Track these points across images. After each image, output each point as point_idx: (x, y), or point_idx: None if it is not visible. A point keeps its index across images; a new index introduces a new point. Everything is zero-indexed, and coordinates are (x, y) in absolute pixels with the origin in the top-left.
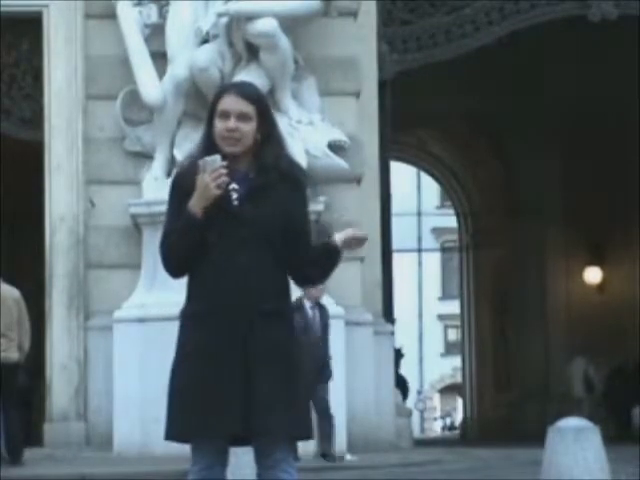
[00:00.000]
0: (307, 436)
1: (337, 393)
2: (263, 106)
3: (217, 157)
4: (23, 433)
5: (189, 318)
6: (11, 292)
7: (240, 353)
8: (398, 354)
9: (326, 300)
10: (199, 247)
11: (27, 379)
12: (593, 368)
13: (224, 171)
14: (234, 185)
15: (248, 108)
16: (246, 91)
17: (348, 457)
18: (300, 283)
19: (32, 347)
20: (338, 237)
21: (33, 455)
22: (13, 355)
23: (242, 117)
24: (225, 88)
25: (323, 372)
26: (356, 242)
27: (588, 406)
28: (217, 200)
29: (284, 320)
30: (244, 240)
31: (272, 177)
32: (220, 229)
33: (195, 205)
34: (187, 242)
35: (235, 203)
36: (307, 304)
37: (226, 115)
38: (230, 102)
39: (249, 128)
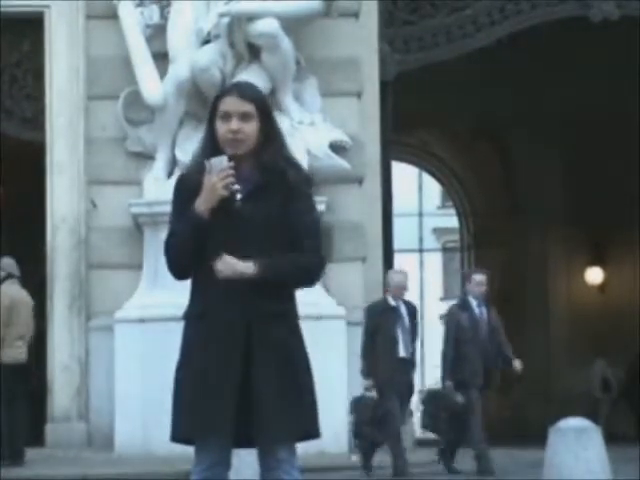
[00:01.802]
0: (312, 435)
1: (338, 393)
2: (264, 105)
3: (224, 158)
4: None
5: (192, 319)
6: (27, 296)
7: (242, 354)
8: None
9: (327, 300)
10: (202, 248)
11: (38, 379)
12: (611, 370)
13: (231, 172)
14: (237, 186)
15: (249, 107)
16: (247, 91)
17: (353, 458)
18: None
19: (36, 348)
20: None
21: (34, 455)
22: (24, 356)
23: (244, 117)
24: (225, 89)
25: (490, 377)
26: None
27: (606, 406)
28: (222, 201)
29: (287, 321)
30: (246, 240)
31: (274, 178)
32: (222, 229)
33: (201, 205)
34: (192, 243)
35: (238, 203)
36: (473, 302)
37: (228, 116)
38: (231, 103)
39: (251, 128)
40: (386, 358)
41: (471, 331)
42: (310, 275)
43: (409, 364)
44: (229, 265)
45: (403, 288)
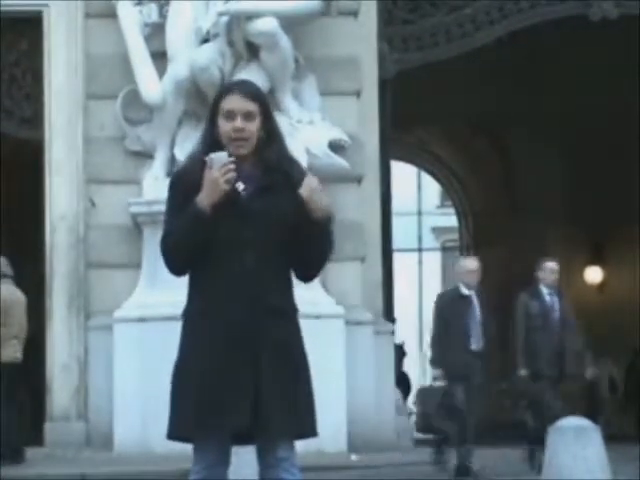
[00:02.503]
0: (310, 435)
1: (337, 392)
2: (265, 104)
3: (224, 153)
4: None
5: (192, 317)
6: (21, 295)
7: (244, 351)
8: (400, 351)
9: (326, 299)
10: (204, 244)
11: (37, 379)
12: (617, 370)
13: (232, 166)
14: (241, 184)
15: (253, 107)
16: (249, 89)
17: (353, 457)
18: (304, 275)
19: (35, 347)
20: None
21: (33, 454)
22: (19, 355)
23: (247, 116)
24: (227, 88)
25: (561, 367)
26: (313, 194)
27: (611, 406)
28: (226, 198)
29: (288, 318)
30: (251, 239)
31: (278, 178)
32: (228, 228)
33: (203, 201)
34: (193, 239)
35: (244, 202)
36: (545, 290)
37: (232, 115)
38: (235, 102)
39: (255, 127)
40: (456, 348)
41: (541, 319)
42: (331, 250)
43: (479, 356)
44: (320, 194)
45: (474, 272)
